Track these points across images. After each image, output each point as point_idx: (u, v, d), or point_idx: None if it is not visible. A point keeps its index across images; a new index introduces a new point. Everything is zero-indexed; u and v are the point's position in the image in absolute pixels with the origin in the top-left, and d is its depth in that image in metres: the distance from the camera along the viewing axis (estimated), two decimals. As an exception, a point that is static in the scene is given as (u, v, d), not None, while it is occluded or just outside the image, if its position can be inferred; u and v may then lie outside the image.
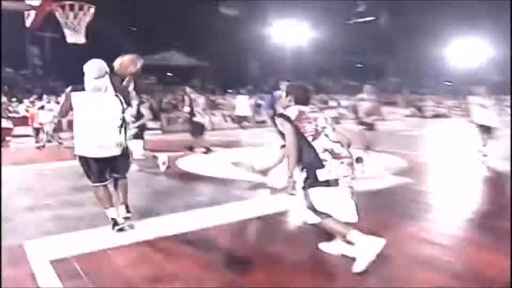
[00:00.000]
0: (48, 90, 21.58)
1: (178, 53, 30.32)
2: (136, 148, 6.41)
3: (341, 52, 33.69)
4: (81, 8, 5.88)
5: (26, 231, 3.71)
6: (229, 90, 26.42)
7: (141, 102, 6.85)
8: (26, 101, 16.05)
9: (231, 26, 30.00)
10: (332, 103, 21.26)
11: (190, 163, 7.48)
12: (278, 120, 2.95)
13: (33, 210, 4.42)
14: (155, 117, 15.86)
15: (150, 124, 15.22)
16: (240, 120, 15.09)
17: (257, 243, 3.55)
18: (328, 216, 2.80)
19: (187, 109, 8.75)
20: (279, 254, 3.11)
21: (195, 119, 8.68)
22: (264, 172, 5.44)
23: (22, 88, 22.67)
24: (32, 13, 6.00)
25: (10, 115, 13.09)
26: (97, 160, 3.51)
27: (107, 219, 3.64)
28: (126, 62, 4.36)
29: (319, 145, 2.83)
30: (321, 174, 2.77)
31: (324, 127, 2.91)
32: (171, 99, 18.38)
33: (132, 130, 6.14)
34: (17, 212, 4.33)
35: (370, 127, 6.90)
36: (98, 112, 3.47)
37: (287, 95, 3.09)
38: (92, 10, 5.94)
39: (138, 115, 6.51)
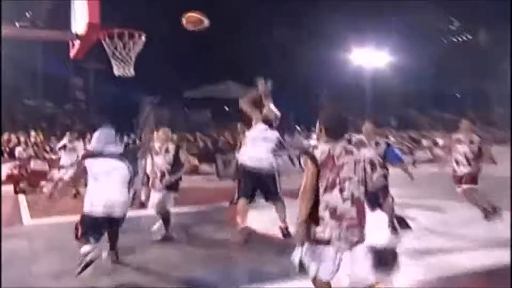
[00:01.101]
0: (89, 127, 22.72)
1: (235, 83, 30.91)
2: (169, 203, 6.41)
3: (431, 78, 32.40)
4: (131, 37, 5.81)
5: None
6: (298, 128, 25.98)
7: (179, 147, 6.75)
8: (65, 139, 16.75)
9: (299, 52, 30.14)
10: (425, 141, 20.02)
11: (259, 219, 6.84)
12: (303, 158, 3.13)
13: (59, 278, 4.33)
14: (210, 159, 15.78)
15: (204, 168, 15.45)
16: None
17: None
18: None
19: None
20: None
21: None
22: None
23: (62, 125, 24.06)
24: (77, 42, 6.00)
25: (47, 155, 13.56)
26: (100, 219, 4.52)
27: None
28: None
29: (325, 199, 3.02)
30: (314, 232, 3.02)
31: (348, 178, 3.03)
32: (228, 138, 18.30)
33: (166, 180, 6.34)
34: (41, 279, 4.28)
35: (473, 179, 6.64)
36: (107, 178, 4.55)
37: (319, 124, 3.22)
38: (143, 38, 5.88)
39: (175, 163, 6.42)
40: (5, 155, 13.36)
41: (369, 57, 27.87)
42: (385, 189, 5.26)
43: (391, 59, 28.84)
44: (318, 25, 29.37)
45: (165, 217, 6.45)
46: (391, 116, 30.43)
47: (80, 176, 4.79)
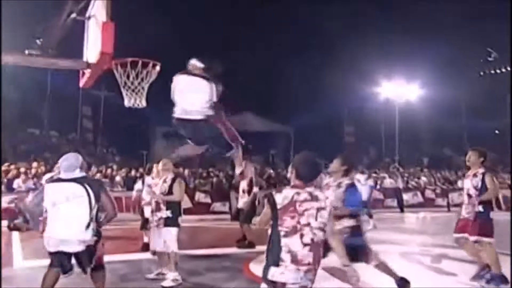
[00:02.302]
0: (96, 158, 22.98)
1: (254, 115, 31.10)
2: (169, 240, 6.28)
3: (467, 113, 32.19)
4: (145, 66, 5.93)
5: None
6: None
7: (176, 176, 6.73)
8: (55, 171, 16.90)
9: (324, 84, 30.35)
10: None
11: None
12: (265, 202, 3.32)
13: None
14: (224, 197, 15.75)
15: (218, 207, 15.41)
16: None
17: None
18: None
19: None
20: None
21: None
22: None
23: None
24: (88, 71, 6.15)
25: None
26: (59, 253, 4.52)
27: None
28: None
29: (287, 243, 3.21)
30: (271, 273, 3.21)
31: (307, 224, 3.22)
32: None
33: (163, 213, 6.34)
34: None
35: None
36: (65, 207, 4.51)
37: (291, 166, 3.45)
38: (157, 68, 5.98)
39: (170, 193, 6.46)
40: (2, 187, 13.46)
41: (399, 90, 27.80)
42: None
43: (423, 92, 28.72)
44: (345, 56, 29.67)
45: (173, 260, 6.34)
46: (423, 154, 30.15)
47: (38, 203, 4.88)
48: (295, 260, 3.22)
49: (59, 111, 27.39)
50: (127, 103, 6.22)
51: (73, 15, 5.94)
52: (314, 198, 3.32)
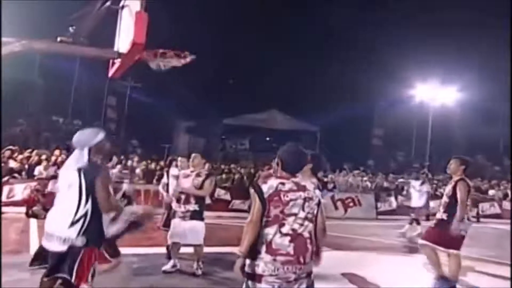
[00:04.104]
0: (118, 149, 23.39)
1: (280, 113, 31.19)
2: (194, 233, 6.50)
3: (505, 120, 31.52)
4: (176, 57, 6.09)
5: None
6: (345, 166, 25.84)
7: (211, 173, 6.99)
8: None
9: (354, 84, 30.23)
10: (493, 192, 19.39)
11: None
12: (251, 191, 3.40)
13: None
14: (244, 195, 15.87)
15: (238, 205, 15.53)
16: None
17: None
18: None
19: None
20: None
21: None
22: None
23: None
24: (117, 61, 6.36)
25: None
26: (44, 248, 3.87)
27: None
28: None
29: (264, 232, 3.26)
30: (247, 265, 3.27)
31: (291, 214, 3.25)
32: (267, 172, 18.39)
33: (191, 206, 6.55)
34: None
35: None
36: (61, 195, 3.91)
37: (277, 157, 3.47)
38: (189, 59, 6.12)
39: (201, 188, 6.69)
40: (23, 173, 13.90)
41: (434, 93, 27.31)
42: None
43: (460, 96, 28.13)
44: (378, 57, 29.44)
45: (198, 252, 6.67)
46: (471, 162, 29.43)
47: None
48: (269, 249, 3.23)
49: (84, 100, 27.95)
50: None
51: (108, 4, 6.15)
52: (300, 188, 3.36)
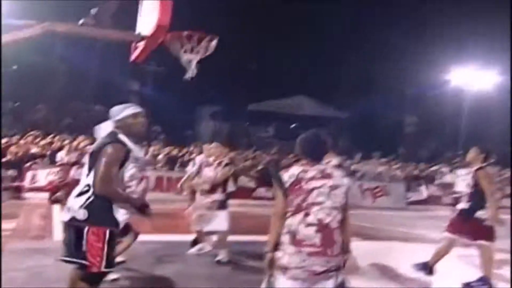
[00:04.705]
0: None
1: (307, 99, 30.96)
2: (218, 221, 6.68)
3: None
4: (201, 40, 6.12)
5: None
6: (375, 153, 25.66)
7: (231, 163, 7.08)
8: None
9: (385, 70, 29.75)
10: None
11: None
12: (273, 182, 3.32)
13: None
14: (269, 183, 15.94)
15: (262, 193, 15.63)
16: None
17: None
18: None
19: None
20: None
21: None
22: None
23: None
24: (140, 44, 6.43)
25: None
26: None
27: None
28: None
29: (288, 223, 3.21)
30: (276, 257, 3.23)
31: (316, 203, 3.19)
32: (292, 160, 18.40)
33: (217, 195, 6.72)
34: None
35: None
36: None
37: (296, 145, 3.46)
38: (214, 42, 6.15)
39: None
40: (46, 159, 14.25)
41: (471, 78, 26.49)
42: None
43: (501, 80, 27.18)
44: (410, 39, 28.83)
45: (221, 238, 6.84)
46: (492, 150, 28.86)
47: None
48: (294, 241, 3.18)
49: (106, 86, 28.24)
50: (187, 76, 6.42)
51: (130, -15, 6.21)
52: (326, 175, 3.29)
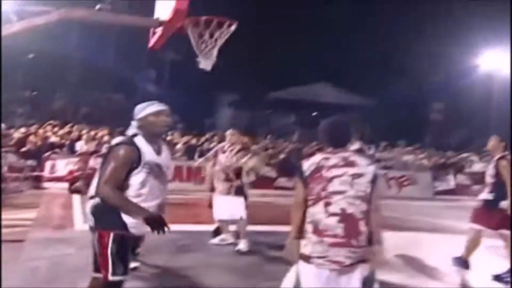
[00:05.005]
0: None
1: (329, 85, 30.72)
2: (234, 209, 6.82)
3: None
4: (220, 25, 6.10)
5: None
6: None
7: (243, 148, 7.16)
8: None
9: (411, 54, 29.31)
10: None
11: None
12: (294, 171, 3.40)
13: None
14: (290, 172, 15.92)
15: (283, 182, 15.63)
16: None
17: None
18: None
19: None
20: None
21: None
22: None
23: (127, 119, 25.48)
24: (158, 30, 6.44)
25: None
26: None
27: None
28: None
29: (311, 212, 3.21)
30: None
31: (338, 192, 3.16)
32: (313, 148, 18.34)
33: (234, 182, 6.85)
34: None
35: None
36: None
37: (318, 131, 3.46)
38: (232, 27, 6.13)
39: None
40: (64, 149, 14.48)
41: (503, 62, 25.84)
42: None
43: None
44: (437, 21, 28.35)
45: (240, 227, 6.93)
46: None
47: None
48: (316, 230, 3.17)
49: (123, 74, 28.46)
50: (202, 65, 6.43)
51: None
52: (348, 163, 3.24)
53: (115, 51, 28.69)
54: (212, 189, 7.41)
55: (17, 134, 14.53)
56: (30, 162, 13.17)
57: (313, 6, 29.11)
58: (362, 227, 3.19)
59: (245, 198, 7.05)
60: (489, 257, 6.68)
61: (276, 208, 10.93)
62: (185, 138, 17.68)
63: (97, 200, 3.44)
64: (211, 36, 6.14)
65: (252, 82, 28.34)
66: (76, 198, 11.25)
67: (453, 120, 31.20)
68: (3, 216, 7.21)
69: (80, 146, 14.21)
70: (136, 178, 3.42)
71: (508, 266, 5.89)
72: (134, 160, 3.41)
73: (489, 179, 6.14)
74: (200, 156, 12.49)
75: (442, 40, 28.07)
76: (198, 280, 5.55)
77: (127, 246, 3.52)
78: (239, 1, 23.51)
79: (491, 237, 6.27)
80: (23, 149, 13.32)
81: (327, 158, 3.27)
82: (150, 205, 3.42)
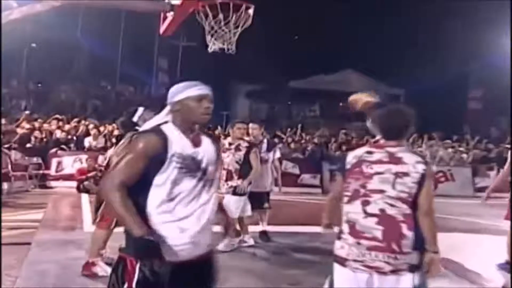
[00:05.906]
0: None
1: (356, 73, 30.55)
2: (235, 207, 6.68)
3: None
4: (236, 9, 6.06)
5: None
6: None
7: (252, 145, 7.05)
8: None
9: (446, 38, 28.95)
10: None
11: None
12: (334, 163, 3.18)
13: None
14: (315, 168, 15.88)
15: (307, 179, 15.60)
16: None
17: None
18: None
19: None
20: None
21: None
22: None
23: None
24: (170, 15, 6.44)
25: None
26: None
27: None
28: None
29: (346, 210, 3.16)
30: (335, 246, 3.17)
31: (377, 191, 3.06)
32: (341, 141, 18.24)
33: (234, 182, 6.78)
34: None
35: None
36: None
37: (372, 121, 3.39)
38: (250, 11, 6.09)
39: (246, 164, 6.82)
40: (72, 145, 14.59)
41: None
42: None
43: None
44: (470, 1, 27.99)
45: (241, 225, 6.93)
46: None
47: None
48: (353, 231, 3.10)
49: (133, 63, 28.58)
50: (211, 48, 6.41)
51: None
52: (394, 160, 3.11)
53: (123, 39, 28.84)
54: None
55: (20, 129, 14.66)
56: (35, 160, 13.30)
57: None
58: (405, 230, 3.05)
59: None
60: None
61: (300, 207, 10.90)
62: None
63: None
64: (227, 20, 6.12)
65: (271, 71, 28.25)
66: (85, 197, 11.31)
67: (494, 108, 30.75)
68: (7, 218, 7.29)
69: (88, 142, 14.28)
70: (164, 176, 2.80)
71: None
72: (158, 151, 2.79)
73: None
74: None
75: (478, 22, 27.70)
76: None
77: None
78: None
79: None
80: (28, 145, 13.45)
81: (370, 152, 3.18)
82: (188, 212, 2.83)
